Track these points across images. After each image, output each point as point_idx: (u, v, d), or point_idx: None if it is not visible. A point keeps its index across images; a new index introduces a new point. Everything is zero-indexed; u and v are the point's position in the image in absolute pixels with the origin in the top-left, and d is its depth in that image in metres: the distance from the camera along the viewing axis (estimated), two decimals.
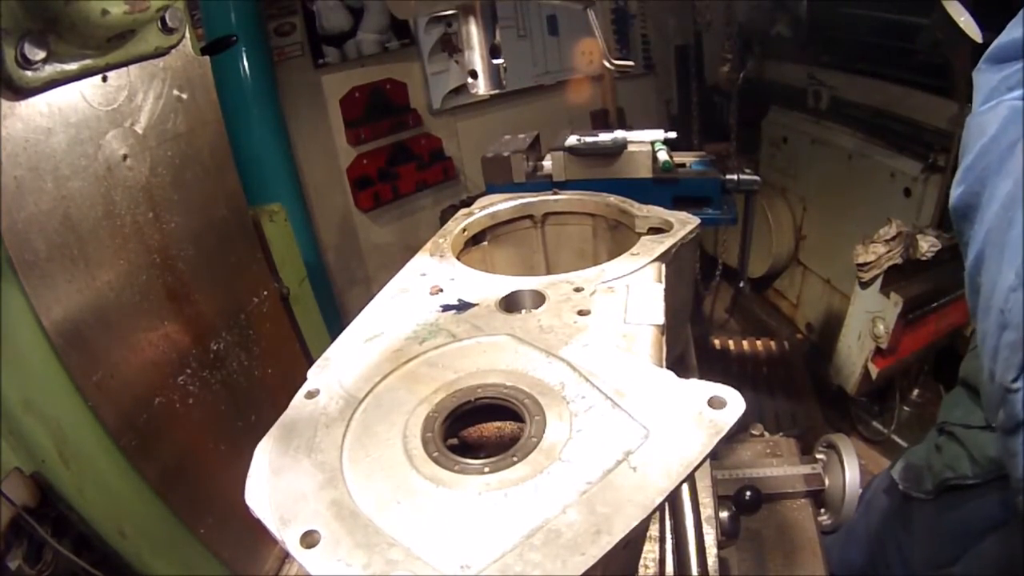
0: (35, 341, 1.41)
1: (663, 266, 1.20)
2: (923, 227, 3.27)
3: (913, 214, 3.63)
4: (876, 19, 3.96)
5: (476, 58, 0.97)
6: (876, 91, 4.04)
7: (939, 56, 3.42)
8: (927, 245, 3.12)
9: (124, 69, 1.53)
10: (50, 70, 1.34)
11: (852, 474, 2.01)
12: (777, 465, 2.06)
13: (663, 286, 1.13)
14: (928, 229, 3.23)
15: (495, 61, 0.97)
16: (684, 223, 1.35)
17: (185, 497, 1.71)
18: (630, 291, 1.10)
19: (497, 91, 0.99)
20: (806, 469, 2.04)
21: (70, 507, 1.48)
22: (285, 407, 0.94)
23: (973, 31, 2.63)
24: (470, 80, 0.99)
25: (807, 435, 3.20)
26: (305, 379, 1.02)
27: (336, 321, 3.61)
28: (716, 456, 2.12)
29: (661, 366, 0.93)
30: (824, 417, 4.02)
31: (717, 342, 4.19)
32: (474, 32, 0.95)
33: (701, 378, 0.84)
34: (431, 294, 1.17)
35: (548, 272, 1.56)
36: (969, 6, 2.69)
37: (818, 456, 2.14)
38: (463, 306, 1.11)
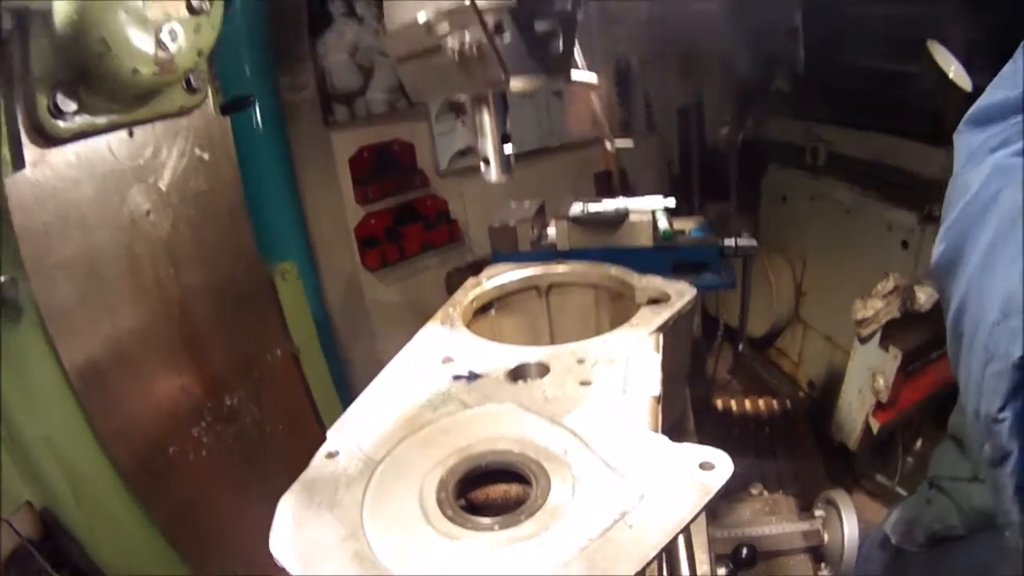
0: (56, 384, 1.48)
1: (661, 336, 1.28)
2: (921, 278, 3.31)
3: (911, 265, 3.66)
4: (870, 69, 4.01)
5: (488, 146, 1.03)
6: (871, 142, 4.11)
7: (932, 105, 3.49)
8: (925, 296, 3.15)
9: (149, 125, 1.62)
10: (80, 121, 1.42)
11: (851, 528, 2.05)
12: (776, 523, 2.10)
13: (660, 357, 1.20)
14: (925, 280, 3.26)
15: (506, 149, 1.04)
16: (681, 294, 1.43)
17: (194, 543, 1.76)
18: (629, 363, 1.18)
19: (507, 176, 1.06)
20: (804, 525, 2.09)
21: (78, 544, 1.54)
22: (295, 462, 1.00)
23: (963, 80, 2.71)
24: (483, 166, 1.06)
25: (809, 491, 3.22)
26: (314, 435, 1.08)
27: (341, 378, 3.63)
28: (715, 515, 2.17)
29: (657, 432, 1.00)
30: (827, 472, 4.02)
31: (719, 402, 4.21)
32: (487, 121, 1.02)
33: (700, 440, 0.91)
34: (443, 363, 1.25)
35: (552, 339, 1.64)
36: (960, 55, 2.77)
37: (817, 513, 2.18)
38: (472, 376, 1.18)
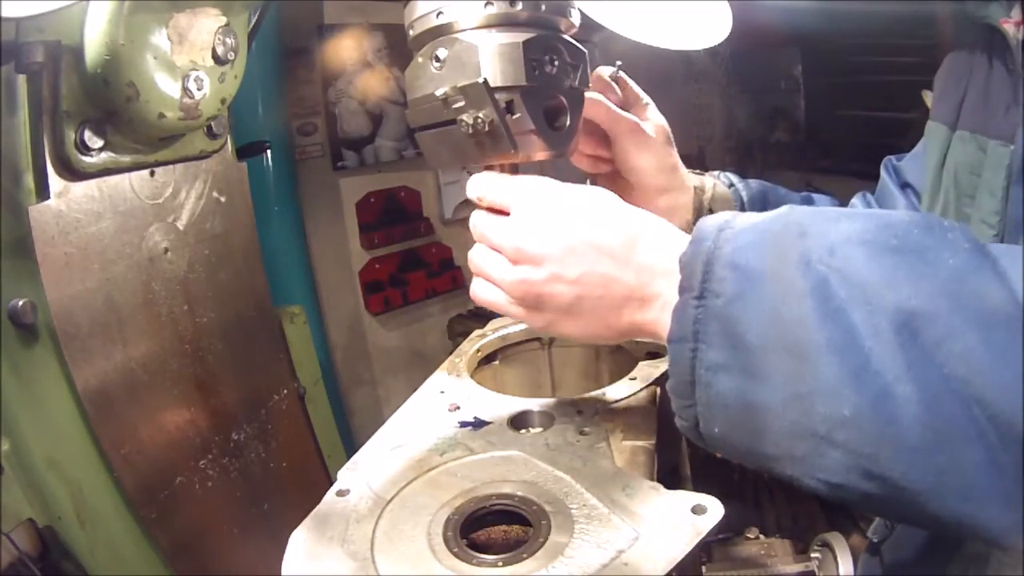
0: (67, 407, 1.52)
1: (658, 389, 1.33)
2: None
3: None
4: (868, 118, 4.04)
5: None
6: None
7: None
8: None
9: (171, 167, 1.68)
10: (105, 157, 1.48)
11: (846, 569, 2.08)
12: (771, 565, 2.13)
13: (656, 407, 1.26)
14: None
15: None
16: None
17: (193, 571, 1.79)
18: (627, 413, 1.24)
19: None
20: (799, 567, 2.11)
21: (76, 564, 1.56)
22: (297, 499, 1.05)
23: None
24: None
25: (807, 535, 3.23)
26: (317, 474, 1.12)
27: (342, 419, 3.64)
28: (711, 558, 2.20)
29: (652, 479, 1.06)
30: (826, 516, 4.00)
31: None
32: None
33: (695, 486, 0.96)
34: (449, 411, 1.30)
35: (554, 390, 1.69)
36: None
37: (813, 555, 2.20)
38: (478, 423, 1.23)
